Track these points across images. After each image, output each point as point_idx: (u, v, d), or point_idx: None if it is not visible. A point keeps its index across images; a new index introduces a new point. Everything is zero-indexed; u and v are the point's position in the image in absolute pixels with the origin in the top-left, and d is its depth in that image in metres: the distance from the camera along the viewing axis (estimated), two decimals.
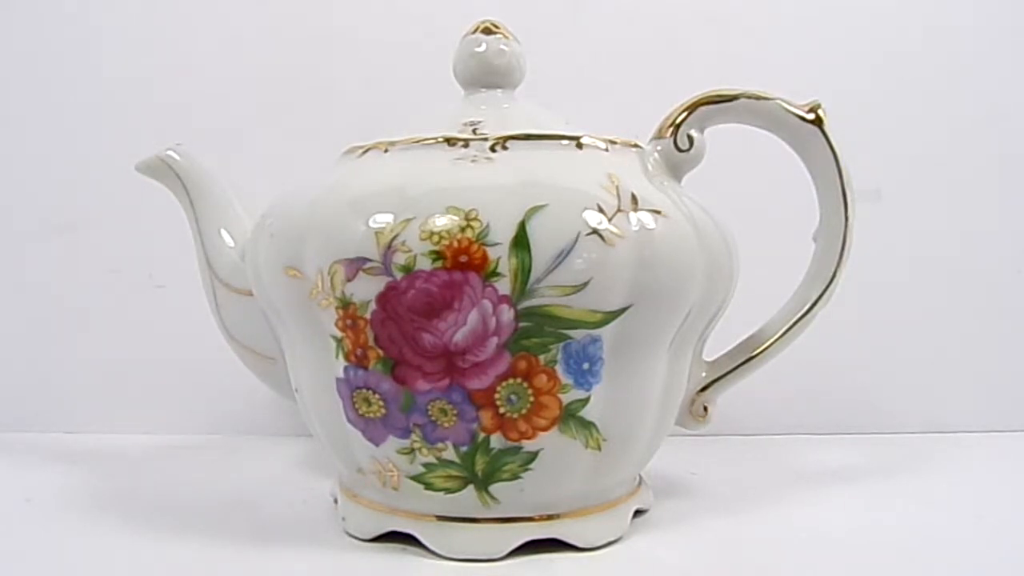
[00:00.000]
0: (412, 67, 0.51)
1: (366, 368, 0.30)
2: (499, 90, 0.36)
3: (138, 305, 0.53)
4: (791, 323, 0.36)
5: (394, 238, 0.28)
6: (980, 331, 0.53)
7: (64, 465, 0.45)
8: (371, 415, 0.30)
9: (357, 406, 0.31)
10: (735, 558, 0.32)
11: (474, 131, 0.32)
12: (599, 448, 0.31)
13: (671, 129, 0.35)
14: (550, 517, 0.32)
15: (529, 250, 0.28)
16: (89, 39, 0.53)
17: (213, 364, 0.47)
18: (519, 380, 0.29)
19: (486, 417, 0.29)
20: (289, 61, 0.52)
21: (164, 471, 0.44)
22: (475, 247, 0.27)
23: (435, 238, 0.28)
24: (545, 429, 0.30)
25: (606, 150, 0.32)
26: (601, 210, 0.28)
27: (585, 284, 0.28)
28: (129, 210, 0.52)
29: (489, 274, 0.28)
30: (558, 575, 0.30)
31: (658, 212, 0.30)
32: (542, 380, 0.29)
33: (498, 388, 0.29)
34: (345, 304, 0.29)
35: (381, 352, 0.29)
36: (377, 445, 0.31)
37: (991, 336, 0.53)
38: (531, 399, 0.29)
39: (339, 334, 0.30)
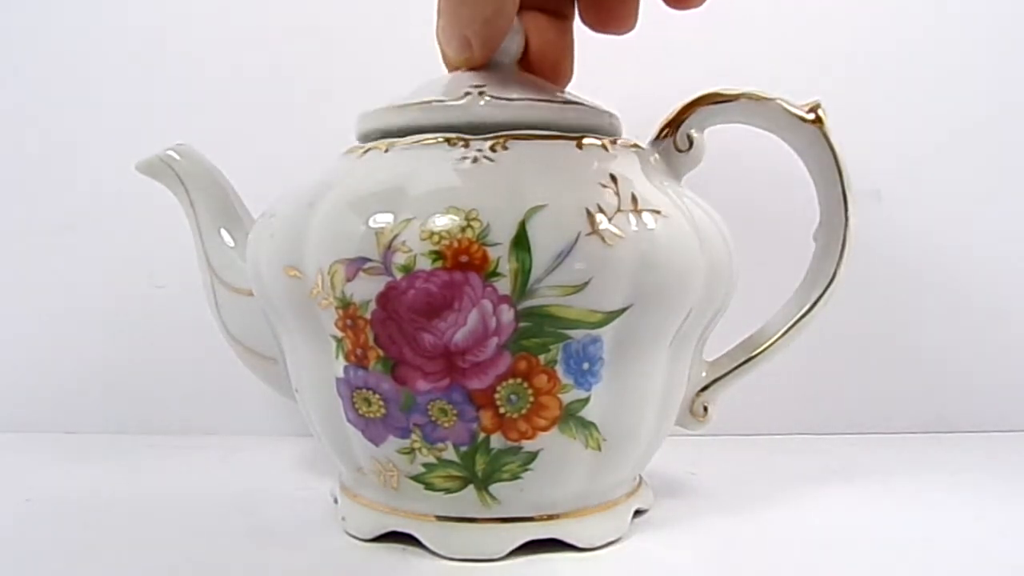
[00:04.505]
0: (412, 67, 0.51)
1: (366, 368, 0.30)
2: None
3: (138, 305, 0.53)
4: (791, 323, 0.36)
5: (394, 238, 0.28)
6: (980, 331, 0.53)
7: (64, 465, 0.45)
8: (371, 415, 0.30)
9: (357, 406, 0.31)
10: (735, 558, 0.32)
11: (480, 92, 0.32)
12: (599, 448, 0.31)
13: (671, 129, 0.35)
14: (550, 517, 0.32)
15: (529, 250, 0.28)
16: (89, 38, 0.53)
17: (213, 364, 0.47)
18: (519, 380, 0.29)
19: (486, 417, 0.29)
20: (289, 61, 0.52)
21: (164, 471, 0.44)
22: (475, 247, 0.27)
23: (435, 238, 0.28)
24: (545, 429, 0.30)
25: (606, 150, 0.32)
26: (601, 210, 0.28)
27: (585, 284, 0.28)
28: (129, 210, 0.52)
29: (489, 274, 0.28)
30: (558, 575, 0.30)
31: (658, 212, 0.30)
32: (542, 380, 0.29)
33: (498, 388, 0.29)
34: (345, 304, 0.29)
35: (381, 352, 0.29)
36: (377, 445, 0.31)
37: (991, 336, 0.53)
38: (531, 399, 0.29)
39: (339, 334, 0.30)
